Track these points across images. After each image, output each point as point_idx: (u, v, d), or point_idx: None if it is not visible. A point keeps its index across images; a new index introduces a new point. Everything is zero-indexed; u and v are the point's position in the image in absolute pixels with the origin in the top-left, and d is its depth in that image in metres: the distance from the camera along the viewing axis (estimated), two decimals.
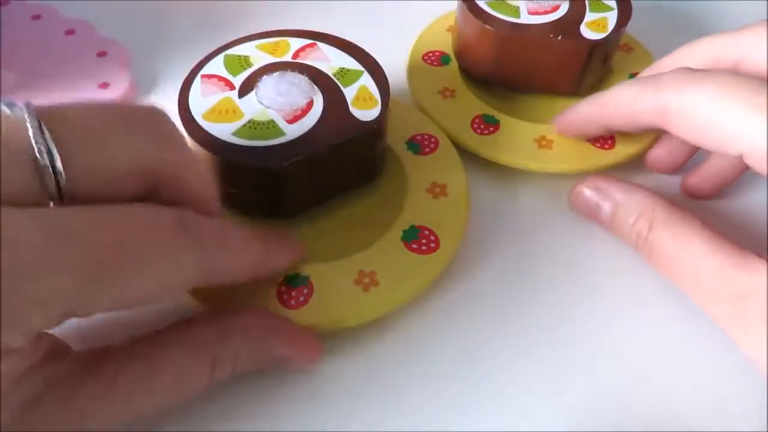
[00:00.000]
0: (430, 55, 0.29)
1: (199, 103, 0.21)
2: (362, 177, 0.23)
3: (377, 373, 0.21)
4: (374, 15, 0.33)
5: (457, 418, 0.20)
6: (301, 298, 0.20)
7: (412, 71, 0.28)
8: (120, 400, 0.16)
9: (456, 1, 0.28)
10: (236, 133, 0.20)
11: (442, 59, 0.29)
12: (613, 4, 0.27)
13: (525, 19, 0.26)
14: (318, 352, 0.20)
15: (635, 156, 0.26)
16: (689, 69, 0.21)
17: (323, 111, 0.21)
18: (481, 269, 0.23)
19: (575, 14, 0.26)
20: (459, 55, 0.28)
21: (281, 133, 0.21)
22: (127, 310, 0.16)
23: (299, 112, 0.21)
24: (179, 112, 0.21)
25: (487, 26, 0.26)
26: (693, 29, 0.35)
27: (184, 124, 0.20)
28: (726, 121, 0.19)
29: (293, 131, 0.21)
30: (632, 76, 0.29)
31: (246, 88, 0.22)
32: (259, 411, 0.19)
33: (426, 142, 0.25)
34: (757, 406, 0.20)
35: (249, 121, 0.21)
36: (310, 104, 0.21)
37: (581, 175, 0.24)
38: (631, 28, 0.27)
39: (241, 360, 0.18)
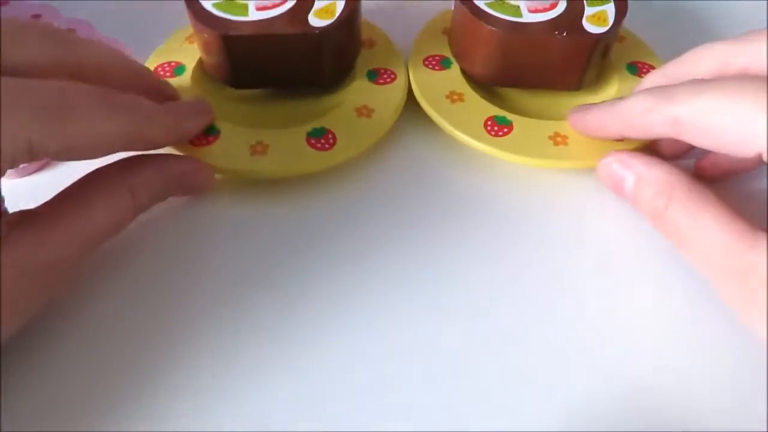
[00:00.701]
0: (431, 59, 0.29)
1: None
2: (308, 78, 0.26)
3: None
4: (373, 15, 0.32)
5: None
6: (205, 142, 0.24)
7: (416, 78, 0.28)
8: (73, 227, 0.19)
9: (451, 3, 0.28)
10: (215, 5, 0.25)
11: (442, 63, 0.29)
12: None
13: (527, 17, 0.26)
14: (212, 173, 0.24)
15: (647, 145, 0.26)
16: (699, 80, 0.21)
17: (288, 10, 0.25)
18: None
19: (575, 9, 0.26)
20: (461, 58, 0.28)
21: (245, 14, 0.25)
22: (71, 158, 0.20)
23: (269, 5, 0.25)
24: None
25: (491, 28, 0.26)
26: (682, 15, 0.34)
27: None
28: (739, 123, 0.19)
29: (255, 16, 0.25)
30: (630, 65, 0.28)
31: None
32: None
33: (384, 75, 0.27)
34: (760, 387, 0.21)
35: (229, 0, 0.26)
36: (283, 2, 0.26)
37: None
38: None
39: (151, 185, 0.22)
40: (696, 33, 0.34)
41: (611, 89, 0.28)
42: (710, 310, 0.22)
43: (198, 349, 0.21)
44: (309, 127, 0.25)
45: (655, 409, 0.20)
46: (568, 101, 0.26)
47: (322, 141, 0.25)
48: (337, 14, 0.25)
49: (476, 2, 0.27)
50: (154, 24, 0.29)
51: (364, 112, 0.26)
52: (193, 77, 0.27)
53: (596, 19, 0.26)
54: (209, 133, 0.25)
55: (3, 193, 0.21)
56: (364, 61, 0.28)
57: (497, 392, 0.20)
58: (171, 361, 0.21)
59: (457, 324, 0.22)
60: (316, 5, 0.25)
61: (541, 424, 0.20)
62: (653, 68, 0.28)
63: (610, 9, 0.26)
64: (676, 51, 0.24)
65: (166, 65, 0.27)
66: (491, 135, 0.25)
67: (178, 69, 0.27)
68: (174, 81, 0.27)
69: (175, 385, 0.20)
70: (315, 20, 0.25)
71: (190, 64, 0.27)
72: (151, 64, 0.28)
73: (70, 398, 0.20)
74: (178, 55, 0.28)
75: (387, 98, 0.26)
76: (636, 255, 0.24)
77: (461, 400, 0.20)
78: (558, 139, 0.25)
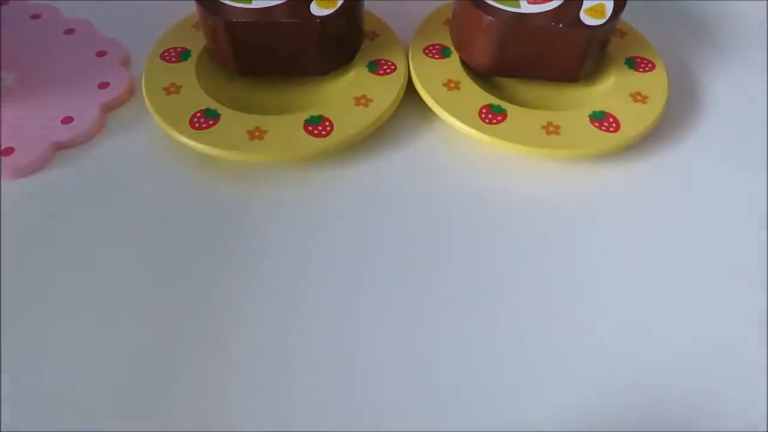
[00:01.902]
0: (431, 48, 0.29)
1: None
2: (308, 67, 0.27)
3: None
4: (377, 7, 0.32)
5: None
6: (205, 125, 0.25)
7: (415, 66, 0.28)
8: None
9: None
10: None
11: (442, 52, 0.29)
12: None
13: (526, 8, 0.27)
14: None
15: (640, 137, 0.26)
16: None
17: None
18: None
19: (574, 1, 0.26)
20: (461, 47, 0.29)
21: (249, 1, 0.26)
22: None
23: None
24: None
25: (491, 18, 0.26)
26: (684, 13, 0.34)
27: None
28: None
29: (258, 4, 0.25)
30: (628, 60, 0.28)
31: None
32: None
33: (385, 66, 0.28)
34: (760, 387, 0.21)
35: None
36: None
37: (587, 159, 0.26)
38: (624, 13, 0.26)
39: None
40: (699, 31, 0.34)
41: (608, 82, 0.28)
42: (711, 307, 0.22)
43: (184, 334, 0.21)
44: (307, 115, 0.26)
45: (655, 409, 0.20)
46: (564, 92, 0.27)
47: (319, 128, 0.25)
48: (339, 4, 0.25)
49: None
50: (154, 24, 0.30)
51: (363, 101, 0.26)
52: (198, 63, 0.28)
53: (594, 12, 0.26)
54: (210, 116, 0.25)
55: (2, 193, 0.21)
56: (366, 52, 0.29)
57: (496, 389, 0.20)
58: (174, 357, 0.21)
59: (452, 312, 0.22)
60: None
61: (543, 422, 0.20)
62: (651, 63, 0.29)
63: (608, 2, 0.26)
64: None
65: (171, 51, 0.28)
66: (485, 122, 0.26)
67: (184, 54, 0.28)
68: (179, 66, 0.27)
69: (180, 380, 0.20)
70: (316, 9, 0.25)
71: (195, 50, 0.28)
72: (158, 48, 0.28)
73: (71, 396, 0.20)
74: (184, 41, 0.29)
75: (386, 89, 0.27)
76: (628, 245, 0.24)
77: (459, 397, 0.20)
78: (551, 128, 0.26)
